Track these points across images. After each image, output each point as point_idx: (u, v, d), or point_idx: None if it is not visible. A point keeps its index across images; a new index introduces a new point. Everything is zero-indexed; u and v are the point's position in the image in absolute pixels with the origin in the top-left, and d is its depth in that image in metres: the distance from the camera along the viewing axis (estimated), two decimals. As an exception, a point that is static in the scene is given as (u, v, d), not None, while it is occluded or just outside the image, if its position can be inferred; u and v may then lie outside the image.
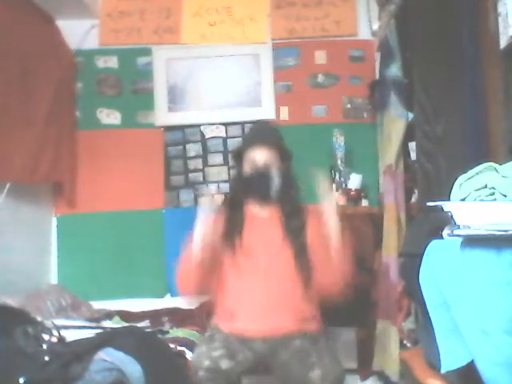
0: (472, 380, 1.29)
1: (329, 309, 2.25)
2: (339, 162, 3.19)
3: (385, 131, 2.94)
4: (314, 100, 3.48)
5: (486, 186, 1.35)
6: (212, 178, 3.47)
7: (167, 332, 2.65)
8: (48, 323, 2.05)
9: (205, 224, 2.11)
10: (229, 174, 3.41)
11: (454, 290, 1.31)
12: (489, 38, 1.81)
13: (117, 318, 2.92)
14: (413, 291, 1.63)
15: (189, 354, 2.31)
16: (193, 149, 3.49)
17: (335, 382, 2.01)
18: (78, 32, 3.43)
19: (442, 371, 1.38)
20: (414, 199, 2.69)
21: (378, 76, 3.19)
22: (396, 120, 2.75)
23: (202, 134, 3.50)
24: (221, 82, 3.50)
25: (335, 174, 3.19)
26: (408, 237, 2.22)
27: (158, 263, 3.37)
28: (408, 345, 2.51)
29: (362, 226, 3.01)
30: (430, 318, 1.42)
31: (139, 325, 2.83)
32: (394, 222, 2.72)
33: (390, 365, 2.63)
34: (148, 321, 3.00)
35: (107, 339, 2.00)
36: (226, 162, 3.46)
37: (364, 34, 3.47)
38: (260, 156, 2.26)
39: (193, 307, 2.97)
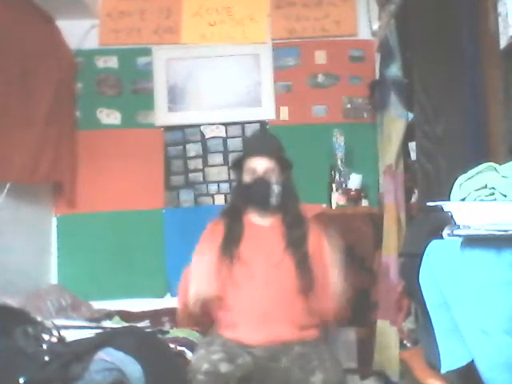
0: (472, 380, 1.29)
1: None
2: (339, 162, 3.19)
3: (385, 131, 2.94)
4: (314, 100, 3.48)
5: (486, 186, 1.35)
6: (212, 178, 3.47)
7: (167, 332, 2.64)
8: (48, 323, 2.05)
9: (200, 284, 2.11)
10: (229, 174, 3.41)
11: (454, 290, 1.31)
12: (489, 38, 1.81)
13: (117, 318, 2.92)
14: (413, 291, 1.63)
15: (189, 354, 2.30)
16: (193, 149, 3.49)
17: None
18: (78, 32, 3.43)
19: (442, 371, 1.37)
20: (413, 199, 2.69)
21: (378, 76, 3.19)
22: (396, 120, 2.75)
23: (202, 134, 3.50)
24: (221, 82, 3.50)
25: (335, 174, 3.19)
26: (408, 237, 2.22)
27: (158, 263, 3.38)
28: (408, 345, 2.51)
29: (362, 226, 3.01)
30: (429, 318, 1.42)
31: (139, 325, 2.83)
32: (394, 222, 2.72)
33: (390, 365, 2.63)
34: (148, 321, 3.00)
35: (107, 339, 2.00)
36: (225, 162, 3.46)
37: (364, 33, 3.47)
38: (260, 165, 2.25)
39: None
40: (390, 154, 2.79)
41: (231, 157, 3.38)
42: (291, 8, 3.51)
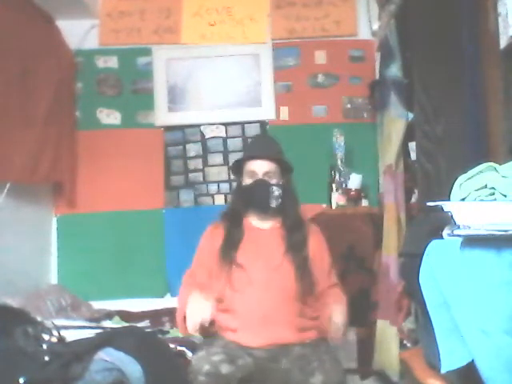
0: (472, 380, 1.29)
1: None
2: (339, 162, 3.19)
3: (385, 131, 2.94)
4: (314, 100, 3.48)
5: (486, 186, 1.35)
6: (212, 178, 3.47)
7: (167, 332, 2.65)
8: (48, 323, 2.05)
9: (195, 314, 2.10)
10: (229, 174, 3.42)
11: (454, 290, 1.31)
12: (489, 38, 1.81)
13: (117, 318, 2.93)
14: (413, 291, 1.63)
15: (189, 354, 2.30)
16: (193, 149, 3.49)
17: None
18: (78, 32, 3.43)
19: (442, 371, 1.37)
20: (414, 199, 2.69)
21: (378, 76, 3.19)
22: (396, 120, 2.75)
23: (202, 134, 3.50)
24: (221, 82, 3.50)
25: (335, 174, 3.19)
26: (408, 237, 2.22)
27: (158, 263, 3.38)
28: (408, 345, 2.51)
29: (362, 226, 3.01)
30: (429, 318, 1.42)
31: (139, 325, 2.84)
32: (394, 222, 2.72)
33: (390, 365, 2.63)
34: (148, 321, 3.01)
35: (107, 339, 2.00)
36: (225, 162, 3.46)
37: (364, 34, 3.47)
38: (260, 167, 2.25)
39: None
40: (390, 154, 2.79)
41: (231, 157, 3.38)
42: (291, 8, 3.51)
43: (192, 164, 3.49)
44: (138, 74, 3.53)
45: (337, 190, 3.16)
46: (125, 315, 3.00)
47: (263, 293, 2.14)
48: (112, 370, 1.86)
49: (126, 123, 3.50)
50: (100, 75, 3.52)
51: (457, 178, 1.44)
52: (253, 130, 3.45)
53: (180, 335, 2.55)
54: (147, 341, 2.15)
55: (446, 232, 1.37)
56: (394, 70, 2.78)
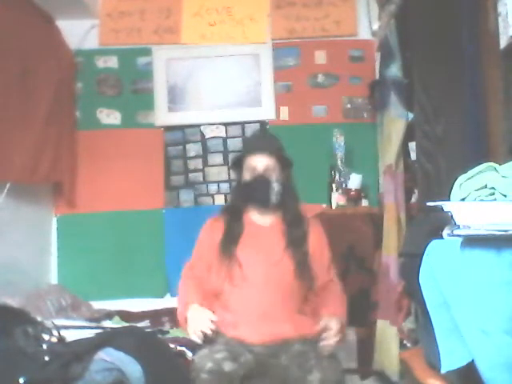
0: (472, 380, 1.29)
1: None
2: (339, 162, 3.19)
3: (385, 131, 2.94)
4: (314, 100, 3.48)
5: (486, 186, 1.35)
6: (212, 178, 3.47)
7: (167, 332, 2.64)
8: (48, 323, 2.05)
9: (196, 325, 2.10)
10: (229, 173, 3.42)
11: (454, 290, 1.31)
12: (489, 38, 1.81)
13: (117, 318, 2.92)
14: (413, 291, 1.63)
15: (189, 354, 2.30)
16: (193, 149, 3.50)
17: None
18: (78, 32, 3.43)
19: (442, 371, 1.37)
20: (414, 199, 2.69)
21: (378, 76, 3.19)
22: (396, 120, 2.75)
23: (202, 134, 3.50)
24: (221, 82, 3.50)
25: (335, 174, 3.19)
26: (408, 237, 2.22)
27: (158, 263, 3.38)
28: (408, 345, 2.51)
29: (362, 226, 3.01)
30: (429, 318, 1.42)
31: (139, 325, 2.84)
32: (394, 222, 2.72)
33: (390, 365, 2.63)
34: (148, 321, 3.01)
35: (107, 339, 2.00)
36: (225, 162, 3.46)
37: (364, 34, 3.48)
38: (260, 163, 2.25)
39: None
40: (390, 154, 2.79)
41: (231, 157, 3.38)
42: (291, 8, 3.51)
43: (192, 164, 3.49)
44: (137, 74, 3.53)
45: (337, 189, 3.16)
46: (125, 315, 3.00)
47: (263, 288, 2.15)
48: (112, 369, 1.86)
49: (126, 123, 3.50)
50: (100, 75, 3.52)
51: (457, 178, 1.44)
52: (253, 130, 3.45)
53: (180, 335, 2.55)
54: (147, 341, 2.15)
55: (445, 232, 1.37)
56: (394, 70, 2.78)
